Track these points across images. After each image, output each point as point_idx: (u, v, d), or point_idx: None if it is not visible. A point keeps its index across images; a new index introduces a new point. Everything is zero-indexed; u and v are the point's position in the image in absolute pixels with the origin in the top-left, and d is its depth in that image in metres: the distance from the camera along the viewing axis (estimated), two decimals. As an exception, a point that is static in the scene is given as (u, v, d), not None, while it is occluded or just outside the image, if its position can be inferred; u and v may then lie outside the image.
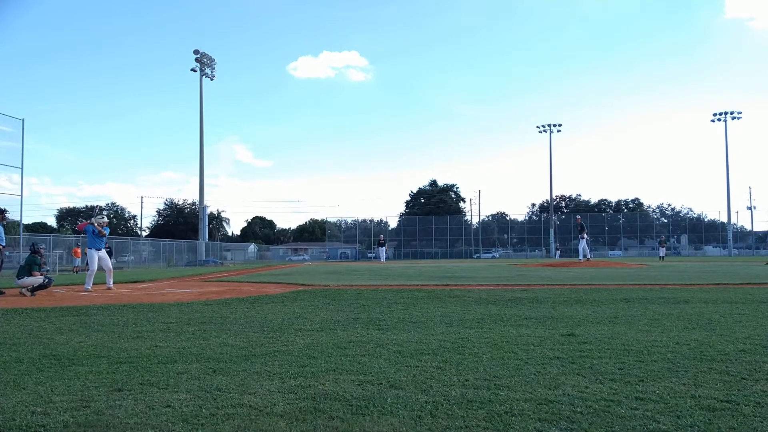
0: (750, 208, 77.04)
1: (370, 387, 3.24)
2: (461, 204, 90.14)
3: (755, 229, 79.04)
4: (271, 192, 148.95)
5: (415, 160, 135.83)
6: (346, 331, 5.47)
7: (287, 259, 61.76)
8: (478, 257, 69.37)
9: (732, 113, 64.98)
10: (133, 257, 42.67)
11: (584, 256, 25.20)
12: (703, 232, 77.62)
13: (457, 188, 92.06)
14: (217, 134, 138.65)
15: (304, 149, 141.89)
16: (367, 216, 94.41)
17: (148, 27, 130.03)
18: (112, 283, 12.23)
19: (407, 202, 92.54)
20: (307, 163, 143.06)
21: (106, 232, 12.28)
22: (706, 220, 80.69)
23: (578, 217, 28.37)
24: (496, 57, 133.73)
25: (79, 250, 30.46)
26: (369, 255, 68.00)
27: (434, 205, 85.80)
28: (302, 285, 12.11)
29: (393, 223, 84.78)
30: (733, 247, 67.89)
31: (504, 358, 4.02)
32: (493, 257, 69.56)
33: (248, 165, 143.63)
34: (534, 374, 3.51)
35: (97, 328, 5.84)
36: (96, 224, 12.07)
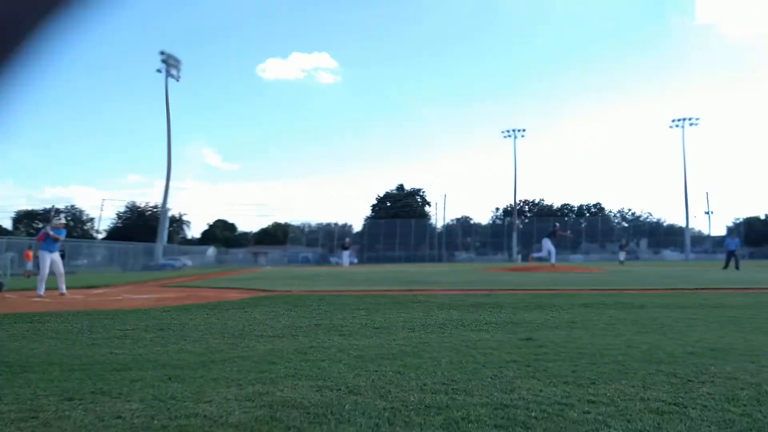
0: (707, 213, 79.60)
1: (328, 393, 3.23)
2: (427, 208, 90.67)
3: (712, 234, 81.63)
4: (237, 195, 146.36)
5: (384, 164, 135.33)
6: (308, 337, 5.44)
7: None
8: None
9: (690, 119, 66.48)
10: (86, 261, 41.29)
11: (540, 257, 25.12)
12: (662, 237, 79.68)
13: (423, 192, 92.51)
14: (184, 138, 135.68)
15: (272, 152, 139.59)
16: (332, 219, 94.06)
17: (113, 28, 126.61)
18: (65, 288, 11.88)
19: (373, 206, 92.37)
20: (275, 165, 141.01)
21: (62, 235, 11.93)
22: (665, 224, 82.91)
23: (557, 224, 28.56)
24: (462, 63, 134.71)
25: (30, 253, 29.47)
26: (331, 259, 66.11)
27: (400, 209, 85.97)
28: (263, 291, 11.99)
29: (357, 227, 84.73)
30: (691, 251, 69.82)
31: (462, 362, 4.07)
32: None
33: (216, 169, 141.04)
34: (491, 378, 3.56)
35: (51, 336, 5.67)
36: (51, 228, 11.73)
